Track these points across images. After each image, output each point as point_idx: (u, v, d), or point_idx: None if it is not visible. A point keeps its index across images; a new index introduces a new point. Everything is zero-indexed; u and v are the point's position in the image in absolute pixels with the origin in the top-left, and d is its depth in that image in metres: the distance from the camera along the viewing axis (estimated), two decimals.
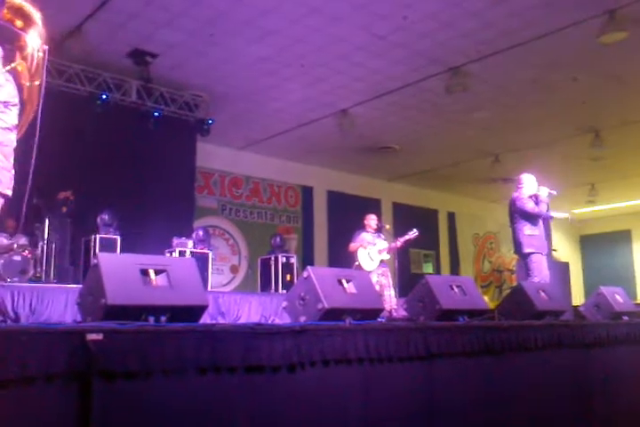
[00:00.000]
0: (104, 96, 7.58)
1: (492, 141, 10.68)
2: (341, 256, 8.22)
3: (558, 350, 4.25)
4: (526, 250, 6.01)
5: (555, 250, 12.22)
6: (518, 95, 8.69)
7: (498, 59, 7.46)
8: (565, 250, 16.76)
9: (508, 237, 6.86)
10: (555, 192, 6.18)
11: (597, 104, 9.01)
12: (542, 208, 6.10)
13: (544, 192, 6.15)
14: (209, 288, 7.48)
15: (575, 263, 17.56)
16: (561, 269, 13.21)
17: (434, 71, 7.82)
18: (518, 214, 6.13)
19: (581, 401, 4.40)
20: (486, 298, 10.38)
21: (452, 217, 14.68)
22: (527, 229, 6.01)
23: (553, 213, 6.33)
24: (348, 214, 10.33)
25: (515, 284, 9.59)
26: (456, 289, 4.03)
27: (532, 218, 6.04)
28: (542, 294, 4.76)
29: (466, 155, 11.42)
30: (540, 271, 5.99)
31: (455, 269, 14.30)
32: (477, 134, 10.31)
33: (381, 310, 3.67)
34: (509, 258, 14.46)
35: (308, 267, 3.31)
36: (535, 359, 4.03)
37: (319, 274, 3.30)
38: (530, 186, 6.18)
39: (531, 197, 6.12)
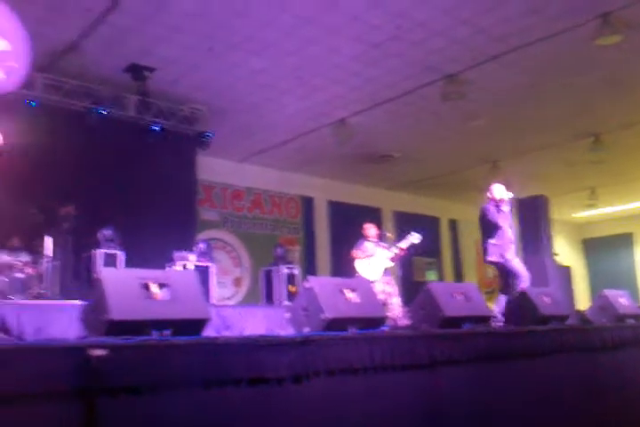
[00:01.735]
0: (101, 111, 7.59)
1: (491, 148, 10.69)
2: (344, 266, 8.19)
3: (564, 355, 4.23)
4: (490, 258, 6.20)
5: (556, 254, 12.15)
6: (515, 101, 8.70)
7: (492, 65, 7.49)
8: (568, 254, 16.71)
9: None
10: (511, 194, 6.30)
11: (596, 107, 9.02)
12: (505, 213, 6.23)
13: (505, 195, 6.27)
14: (212, 302, 7.46)
15: (579, 267, 17.53)
16: (563, 274, 13.17)
17: (429, 79, 7.85)
18: (486, 224, 6.28)
19: (591, 406, 4.38)
20: (490, 304, 10.33)
21: (453, 224, 14.65)
22: (493, 239, 6.16)
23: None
24: (349, 224, 10.30)
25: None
26: (459, 296, 4.03)
27: (497, 228, 6.17)
28: (546, 298, 4.75)
29: (465, 162, 11.43)
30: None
31: (459, 275, 14.26)
32: (476, 141, 10.31)
33: (385, 318, 3.66)
34: None
35: (310, 277, 3.31)
36: (541, 365, 4.01)
37: (321, 284, 3.30)
38: (498, 196, 6.30)
39: (496, 205, 6.25)
